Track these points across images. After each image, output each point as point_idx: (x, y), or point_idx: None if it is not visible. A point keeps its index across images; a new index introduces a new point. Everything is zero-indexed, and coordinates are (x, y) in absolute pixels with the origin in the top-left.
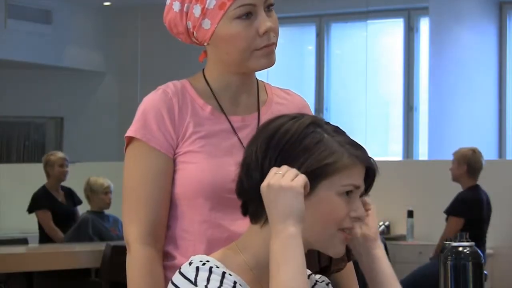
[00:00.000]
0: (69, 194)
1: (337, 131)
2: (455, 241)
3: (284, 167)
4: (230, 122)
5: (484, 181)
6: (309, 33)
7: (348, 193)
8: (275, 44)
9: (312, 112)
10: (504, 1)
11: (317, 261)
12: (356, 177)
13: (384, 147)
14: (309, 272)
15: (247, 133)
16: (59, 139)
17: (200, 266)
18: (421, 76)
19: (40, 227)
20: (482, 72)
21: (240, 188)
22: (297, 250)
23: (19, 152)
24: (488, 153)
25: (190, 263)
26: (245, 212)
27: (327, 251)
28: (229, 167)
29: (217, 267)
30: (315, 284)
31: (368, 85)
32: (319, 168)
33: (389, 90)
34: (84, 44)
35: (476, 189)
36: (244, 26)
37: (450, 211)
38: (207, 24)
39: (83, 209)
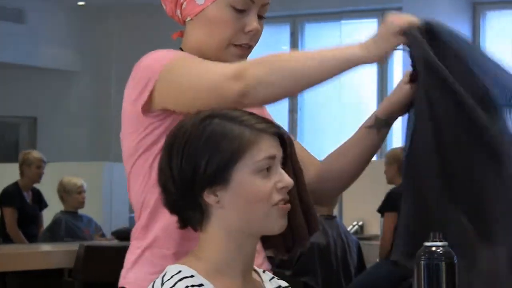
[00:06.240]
0: (38, 196)
1: (233, 114)
2: (428, 241)
3: None
4: None
5: None
6: (283, 33)
7: (268, 169)
8: (251, 48)
9: (286, 112)
10: (478, 1)
11: (282, 242)
12: (267, 149)
13: None
14: (270, 275)
15: None
16: (33, 139)
17: None
18: (394, 75)
19: (1, 224)
20: None
21: (171, 204)
22: None
23: None
24: None
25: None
26: (184, 225)
27: (270, 231)
28: None
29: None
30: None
31: (342, 85)
32: (227, 155)
33: (363, 91)
34: (57, 43)
35: None
36: (235, 17)
37: (384, 208)
38: None
39: (56, 209)
